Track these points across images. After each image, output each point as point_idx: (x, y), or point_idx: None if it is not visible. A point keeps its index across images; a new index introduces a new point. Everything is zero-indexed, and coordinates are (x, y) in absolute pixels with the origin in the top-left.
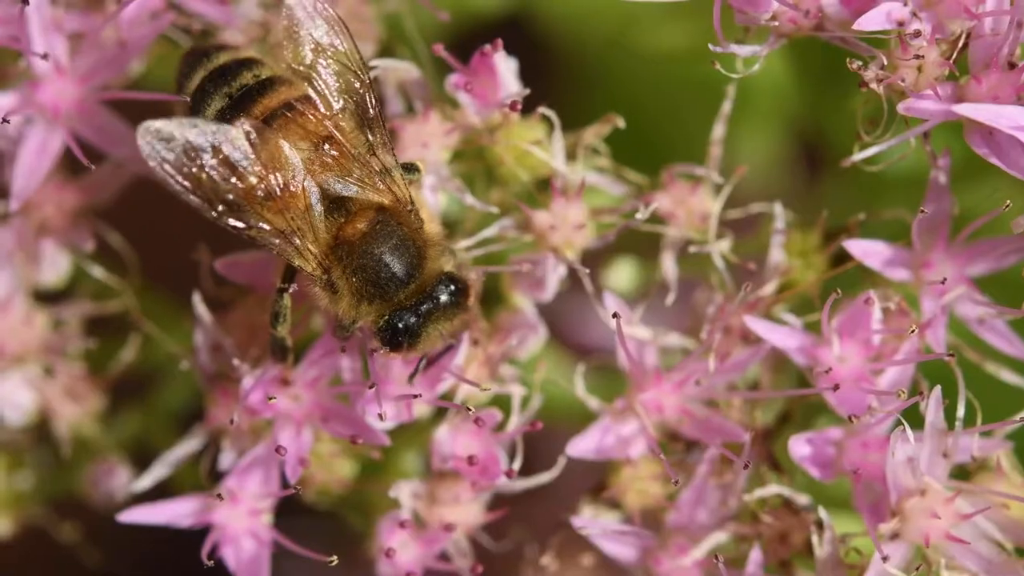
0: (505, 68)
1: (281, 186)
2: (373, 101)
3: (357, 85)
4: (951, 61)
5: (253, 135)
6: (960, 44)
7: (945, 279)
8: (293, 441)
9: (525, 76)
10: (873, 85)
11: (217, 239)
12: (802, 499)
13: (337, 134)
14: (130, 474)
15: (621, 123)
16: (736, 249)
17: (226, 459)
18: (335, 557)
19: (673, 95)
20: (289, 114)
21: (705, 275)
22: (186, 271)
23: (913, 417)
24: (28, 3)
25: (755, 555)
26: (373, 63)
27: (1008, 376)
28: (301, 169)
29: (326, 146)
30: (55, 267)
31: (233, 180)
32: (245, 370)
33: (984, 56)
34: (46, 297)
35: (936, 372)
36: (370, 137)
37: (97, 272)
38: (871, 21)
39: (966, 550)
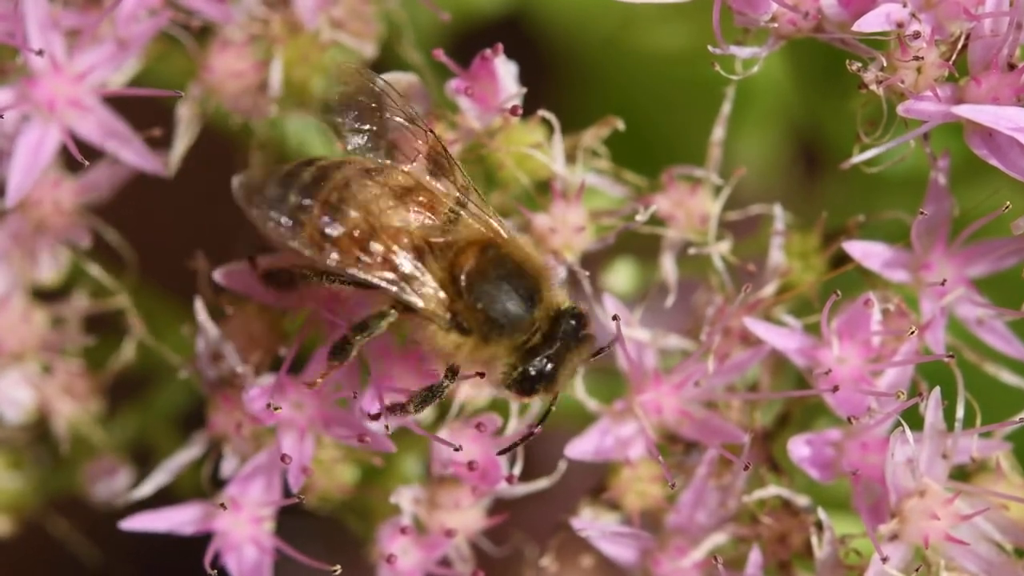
0: (505, 72)
1: (381, 232)
2: (443, 149)
3: (422, 142)
4: (951, 62)
5: (350, 185)
6: (960, 45)
7: (945, 280)
8: (296, 449)
9: (524, 77)
10: (872, 86)
11: (216, 243)
12: (801, 500)
13: (422, 183)
14: (128, 472)
15: (621, 125)
16: (736, 250)
17: (228, 466)
18: (339, 567)
19: (672, 96)
20: (371, 180)
21: (705, 277)
22: (186, 269)
23: (913, 418)
24: None
25: (754, 556)
26: (378, 79)
27: (1007, 377)
28: (400, 216)
29: (415, 195)
30: (53, 265)
31: (338, 229)
32: (248, 378)
33: (984, 57)
34: (44, 295)
35: (935, 373)
36: (451, 179)
37: (94, 270)
38: (870, 22)
39: (965, 551)
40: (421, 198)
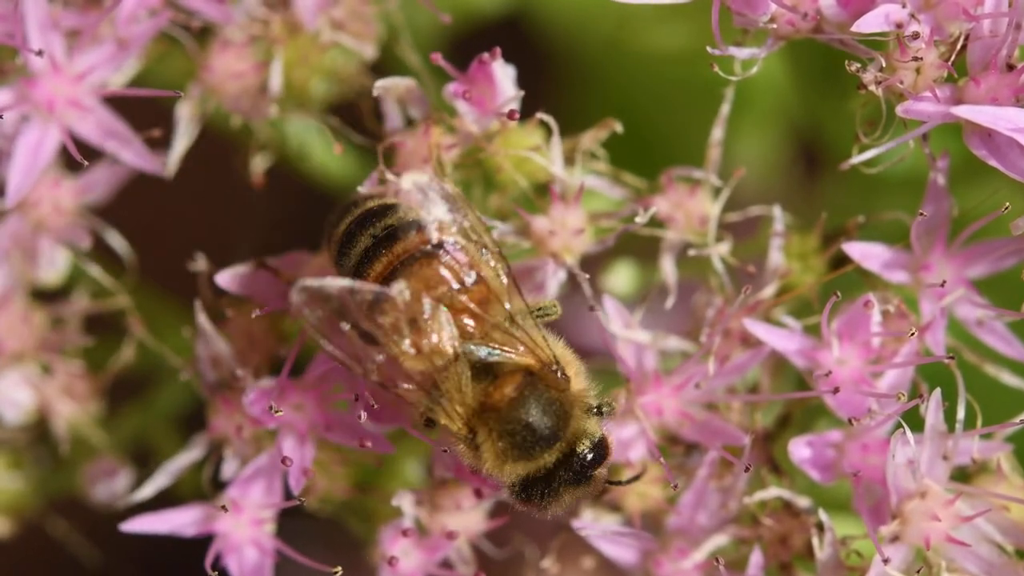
0: (503, 75)
1: (433, 351)
2: (505, 269)
3: (486, 256)
4: (950, 63)
5: (407, 298)
6: (959, 46)
7: (944, 281)
8: (296, 451)
9: (523, 78)
10: (872, 87)
11: (216, 244)
12: (802, 502)
13: (474, 307)
14: (128, 473)
15: (619, 128)
16: (735, 252)
17: (228, 468)
18: (339, 569)
19: (671, 97)
20: (423, 265)
21: (704, 278)
22: (185, 270)
23: (913, 420)
24: None
25: (755, 558)
26: (376, 84)
27: (1008, 378)
28: (453, 335)
29: (464, 318)
30: (53, 265)
31: (384, 342)
32: (248, 381)
33: (983, 58)
34: (44, 295)
35: (936, 374)
36: (507, 304)
37: (94, 271)
38: (869, 23)
39: (966, 552)
40: (473, 322)
